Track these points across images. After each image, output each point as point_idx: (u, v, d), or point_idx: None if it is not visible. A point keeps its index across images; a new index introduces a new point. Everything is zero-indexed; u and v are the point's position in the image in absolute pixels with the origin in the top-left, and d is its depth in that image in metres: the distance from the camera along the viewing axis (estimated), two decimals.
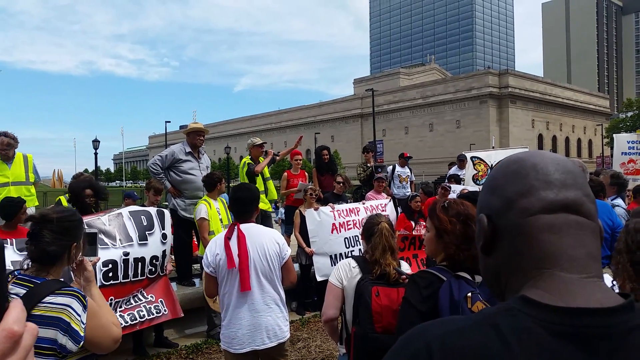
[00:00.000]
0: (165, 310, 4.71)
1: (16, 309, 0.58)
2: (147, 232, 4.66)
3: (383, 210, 6.92)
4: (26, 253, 2.09)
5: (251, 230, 3.34)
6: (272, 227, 7.10)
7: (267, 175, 7.42)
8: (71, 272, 2.26)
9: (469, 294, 2.06)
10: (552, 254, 0.76)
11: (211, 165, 6.98)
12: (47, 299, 1.84)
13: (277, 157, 7.96)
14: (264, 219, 7.14)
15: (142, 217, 4.69)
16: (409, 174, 10.32)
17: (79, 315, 1.86)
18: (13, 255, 3.35)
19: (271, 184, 7.42)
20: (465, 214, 2.33)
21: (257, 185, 7.15)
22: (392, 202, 7.64)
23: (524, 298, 0.73)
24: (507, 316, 0.72)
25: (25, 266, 2.09)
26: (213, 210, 5.58)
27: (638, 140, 10.23)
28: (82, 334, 1.85)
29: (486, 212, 0.85)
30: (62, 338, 1.81)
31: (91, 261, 2.31)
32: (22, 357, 0.56)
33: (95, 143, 38.40)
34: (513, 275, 0.80)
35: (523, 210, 0.79)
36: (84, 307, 1.91)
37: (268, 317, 3.24)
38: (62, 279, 2.08)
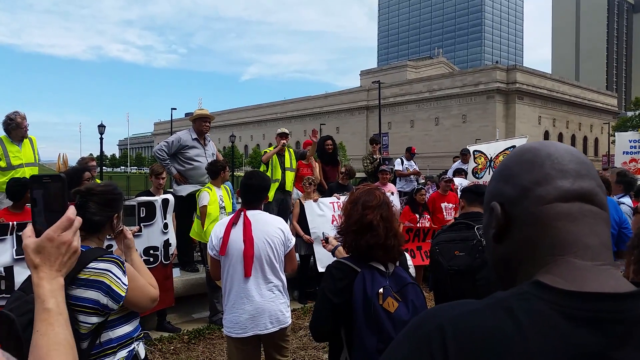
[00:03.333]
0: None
1: (71, 208, 1.10)
2: (142, 224, 4.69)
3: None
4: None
5: (257, 217, 3.37)
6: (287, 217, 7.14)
7: (288, 165, 7.39)
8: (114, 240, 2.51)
9: (381, 290, 2.10)
10: (567, 241, 0.77)
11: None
12: (91, 264, 2.06)
13: (308, 154, 7.87)
14: (283, 210, 7.14)
15: (142, 208, 4.70)
16: (415, 167, 10.32)
17: (119, 278, 2.09)
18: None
19: (289, 175, 7.39)
20: (358, 199, 2.30)
21: (275, 175, 7.18)
22: (396, 195, 7.64)
23: (537, 282, 0.74)
24: (521, 299, 0.72)
25: None
26: (213, 198, 5.58)
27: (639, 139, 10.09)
28: (122, 294, 2.08)
29: (499, 200, 0.85)
30: (103, 298, 2.03)
31: (131, 230, 2.53)
32: (74, 231, 1.09)
33: (101, 128, 38.53)
34: (525, 263, 0.81)
35: (539, 198, 0.79)
36: (123, 271, 2.12)
37: (271, 302, 3.27)
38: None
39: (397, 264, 2.32)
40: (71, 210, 1.10)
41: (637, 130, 10.87)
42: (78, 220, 1.11)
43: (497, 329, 0.70)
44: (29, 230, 1.08)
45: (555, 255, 0.77)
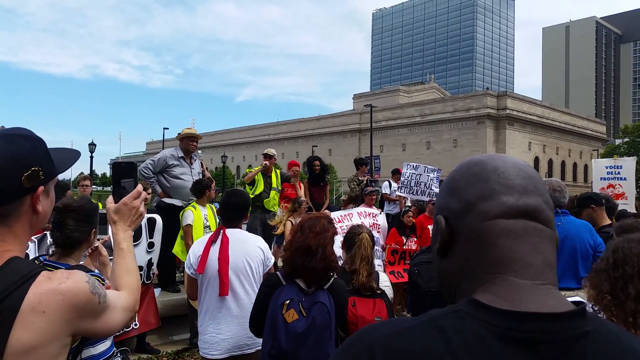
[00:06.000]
0: (135, 325, 4.67)
1: (140, 185, 1.58)
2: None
3: (374, 219, 6.90)
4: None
5: (236, 235, 3.34)
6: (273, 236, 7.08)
7: (275, 185, 7.44)
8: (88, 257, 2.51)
9: (287, 301, 2.39)
10: (508, 259, 0.75)
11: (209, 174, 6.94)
12: None
13: (292, 181, 7.85)
14: (268, 230, 7.10)
15: None
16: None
17: None
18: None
19: (274, 195, 7.42)
20: (308, 220, 2.57)
21: (261, 194, 7.19)
22: (383, 215, 7.62)
23: (472, 301, 0.72)
24: (454, 318, 0.70)
25: (50, 252, 2.36)
26: (197, 216, 5.52)
27: (616, 165, 10.14)
28: None
29: (444, 214, 0.83)
30: None
31: (102, 239, 2.50)
32: (141, 200, 1.55)
33: (92, 146, 38.41)
34: (466, 279, 0.78)
35: (482, 213, 0.77)
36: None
37: (248, 322, 3.20)
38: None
39: (328, 286, 2.52)
40: (139, 186, 1.57)
41: (613, 157, 10.98)
42: (144, 193, 1.59)
43: (427, 348, 0.68)
44: (110, 198, 1.56)
45: (494, 274, 0.75)
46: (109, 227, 3.00)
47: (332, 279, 2.58)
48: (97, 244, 2.43)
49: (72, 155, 1.38)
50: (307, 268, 2.42)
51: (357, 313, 2.71)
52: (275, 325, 2.37)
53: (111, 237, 2.38)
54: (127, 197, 1.53)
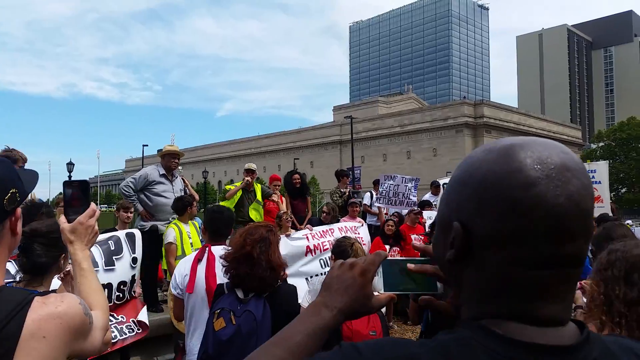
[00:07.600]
0: (138, 329, 4.60)
1: (93, 204, 1.53)
2: (114, 257, 4.58)
3: (356, 233, 6.93)
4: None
5: (222, 253, 3.31)
6: None
7: (260, 199, 7.52)
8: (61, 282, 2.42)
9: (218, 310, 2.50)
10: (529, 309, 0.69)
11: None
12: None
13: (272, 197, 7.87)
14: None
15: (109, 242, 4.61)
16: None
17: None
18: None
19: (258, 210, 7.47)
20: (247, 230, 2.67)
21: (248, 209, 7.22)
22: (365, 226, 7.66)
23: (482, 328, 0.69)
24: (462, 345, 0.68)
25: (18, 278, 2.30)
26: (184, 235, 5.49)
27: (590, 170, 10.40)
28: None
29: (463, 219, 0.72)
30: None
31: None
32: (96, 218, 1.52)
33: (70, 166, 37.83)
34: (477, 303, 0.73)
35: (513, 259, 0.68)
36: None
37: None
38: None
39: (269, 294, 2.57)
40: (93, 204, 1.54)
41: (587, 162, 11.27)
42: (98, 211, 1.54)
43: None
44: (63, 218, 1.50)
45: (508, 315, 0.70)
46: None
47: (277, 285, 2.60)
48: (68, 268, 2.38)
49: (33, 176, 1.36)
50: (249, 277, 2.46)
51: (352, 327, 2.71)
52: (206, 332, 2.51)
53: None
54: (82, 215, 1.48)
